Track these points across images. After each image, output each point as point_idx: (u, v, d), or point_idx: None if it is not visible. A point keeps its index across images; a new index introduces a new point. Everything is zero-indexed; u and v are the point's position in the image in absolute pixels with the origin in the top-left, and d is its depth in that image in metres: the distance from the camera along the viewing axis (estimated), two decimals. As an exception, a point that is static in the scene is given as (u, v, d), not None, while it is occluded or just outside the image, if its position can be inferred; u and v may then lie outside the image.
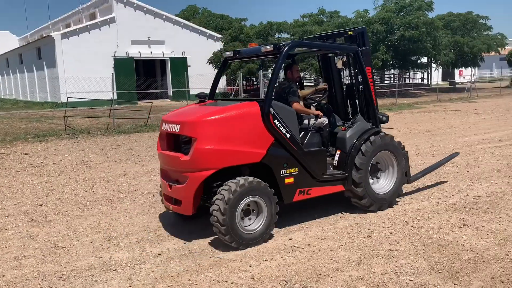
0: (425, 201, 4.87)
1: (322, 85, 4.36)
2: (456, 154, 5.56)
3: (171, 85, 23.24)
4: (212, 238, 3.51)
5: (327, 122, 3.90)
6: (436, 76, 35.38)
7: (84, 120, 13.05)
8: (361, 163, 3.76)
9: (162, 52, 23.50)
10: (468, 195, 5.07)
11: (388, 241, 3.74)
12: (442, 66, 31.37)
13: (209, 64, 23.66)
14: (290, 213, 4.36)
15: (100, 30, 21.28)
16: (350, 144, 3.76)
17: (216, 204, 2.99)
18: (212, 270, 2.98)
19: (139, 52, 22.56)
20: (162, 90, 23.61)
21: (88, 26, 21.06)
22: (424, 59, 29.77)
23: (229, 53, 3.90)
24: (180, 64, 23.55)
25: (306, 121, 3.81)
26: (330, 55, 4.47)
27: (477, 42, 28.95)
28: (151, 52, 23.10)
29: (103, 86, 15.34)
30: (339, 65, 4.11)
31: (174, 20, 24.09)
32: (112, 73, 12.79)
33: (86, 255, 3.39)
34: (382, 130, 4.08)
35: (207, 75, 16.11)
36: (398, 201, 4.56)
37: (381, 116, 4.18)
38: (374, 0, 41.65)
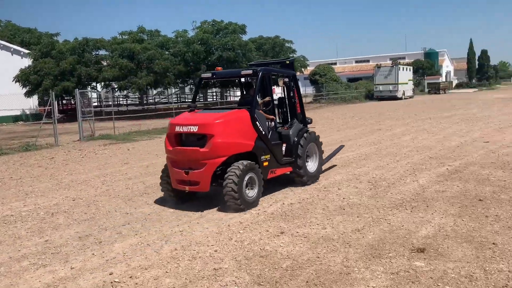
0: (247, 214, 5.33)
1: (267, 98, 6.45)
2: (342, 146, 8.48)
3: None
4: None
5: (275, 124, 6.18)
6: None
7: None
8: (301, 152, 5.99)
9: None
10: (283, 203, 5.69)
11: (213, 260, 3.93)
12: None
13: (15, 82, 22.97)
14: (110, 242, 4.53)
15: None
16: (293, 139, 5.92)
17: (229, 179, 4.63)
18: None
19: None
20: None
21: None
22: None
23: (208, 74, 5.62)
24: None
25: (267, 123, 5.85)
26: (272, 77, 6.65)
27: (284, 64, 34.98)
28: None
29: None
30: (281, 84, 6.24)
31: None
32: None
33: None
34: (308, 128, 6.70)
35: (13, 95, 14.49)
36: (222, 217, 5.28)
37: (308, 119, 6.71)
38: (192, 22, 43.97)
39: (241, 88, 6.41)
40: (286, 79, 6.55)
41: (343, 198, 5.99)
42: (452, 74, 68.32)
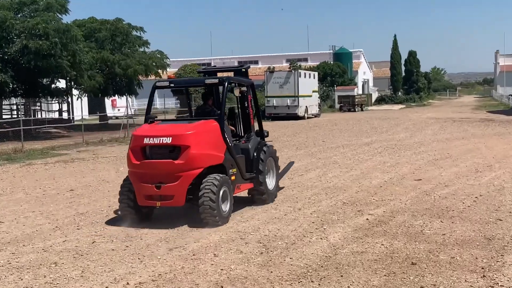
0: None
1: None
2: (292, 162, 11.61)
3: None
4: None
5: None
6: (80, 108, 36.42)
7: None
8: (262, 168, 8.35)
9: None
10: (127, 284, 6.01)
11: None
12: (88, 94, 34.16)
13: None
14: None
15: None
16: (252, 153, 8.29)
17: (206, 193, 7.13)
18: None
19: None
20: None
21: None
22: (62, 83, 31.72)
23: (164, 83, 8.56)
24: None
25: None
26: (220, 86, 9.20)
27: (132, 61, 31.85)
28: None
29: None
30: (237, 93, 8.63)
31: None
32: None
33: None
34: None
35: None
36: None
37: (264, 132, 9.29)
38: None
39: (187, 97, 11.31)
40: (244, 88, 9.40)
41: (221, 269, 6.32)
42: (371, 83, 77.79)
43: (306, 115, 39.80)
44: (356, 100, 50.97)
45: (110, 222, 8.85)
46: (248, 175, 9.29)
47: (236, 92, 9.28)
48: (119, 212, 8.93)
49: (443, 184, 11.61)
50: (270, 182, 9.90)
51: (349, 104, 50.18)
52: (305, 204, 9.81)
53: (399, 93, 71.82)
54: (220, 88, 9.40)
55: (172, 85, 9.57)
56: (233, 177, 8.71)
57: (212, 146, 8.38)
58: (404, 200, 10.00)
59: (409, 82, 73.30)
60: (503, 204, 9.47)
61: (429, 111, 48.17)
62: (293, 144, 21.24)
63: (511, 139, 21.37)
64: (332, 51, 68.17)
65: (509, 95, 66.01)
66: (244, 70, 10.18)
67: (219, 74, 10.10)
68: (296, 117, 38.33)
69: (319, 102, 44.65)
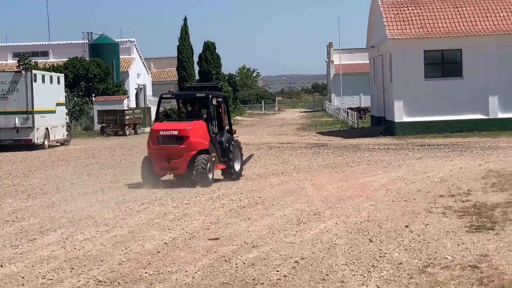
0: None
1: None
2: (252, 155, 26.29)
3: None
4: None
5: None
6: None
7: None
8: (232, 155, 22.42)
9: None
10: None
11: None
12: None
13: None
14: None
15: None
16: (225, 144, 22.42)
17: (200, 163, 20.47)
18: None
19: None
20: None
21: None
22: None
23: (168, 95, 24.01)
24: None
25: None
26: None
27: None
28: None
29: None
30: (214, 102, 22.71)
31: None
32: None
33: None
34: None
35: None
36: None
37: (233, 131, 24.09)
38: None
39: (179, 105, 25.76)
40: (219, 99, 22.86)
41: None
42: (149, 90, 78.79)
43: (47, 142, 39.52)
44: (127, 117, 51.42)
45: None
46: (222, 159, 21.92)
47: (214, 101, 22.25)
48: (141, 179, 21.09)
49: (250, 244, 12.06)
50: (237, 166, 22.61)
51: (116, 124, 50.48)
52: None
53: (192, 107, 74.05)
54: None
55: (173, 96, 24.45)
56: (213, 159, 21.17)
57: (202, 137, 20.90)
58: (192, 272, 10.18)
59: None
60: (333, 270, 10.10)
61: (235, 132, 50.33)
62: (22, 190, 20.73)
63: (348, 173, 23.22)
64: (87, 41, 68.09)
65: (347, 108, 71.96)
66: (219, 86, 25.01)
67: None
68: (30, 146, 37.86)
69: (67, 121, 44.52)
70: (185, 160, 20.56)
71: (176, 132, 20.89)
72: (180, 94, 31.04)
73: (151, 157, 21.04)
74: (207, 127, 21.33)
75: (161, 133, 21.12)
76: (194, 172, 20.36)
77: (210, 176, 20.81)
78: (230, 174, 22.15)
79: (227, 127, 23.96)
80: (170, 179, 21.81)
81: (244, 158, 23.76)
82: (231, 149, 22.01)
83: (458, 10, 42.90)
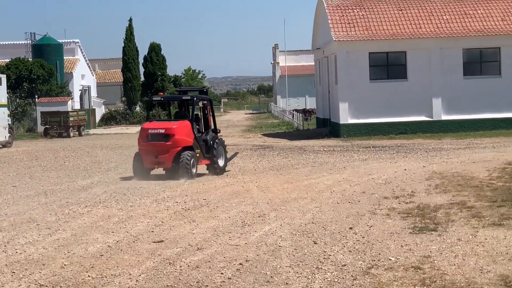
0: None
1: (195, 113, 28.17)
2: (237, 153, 29.94)
3: None
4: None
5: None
6: None
7: None
8: (216, 151, 25.40)
9: None
10: None
11: None
12: None
13: None
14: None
15: None
16: (209, 142, 25.35)
17: (184, 158, 23.56)
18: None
19: None
20: None
21: None
22: None
23: (158, 98, 28.18)
24: None
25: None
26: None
27: None
28: None
29: None
30: (200, 105, 26.64)
31: None
32: None
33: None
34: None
35: None
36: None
37: (218, 130, 27.39)
38: None
39: (169, 106, 33.18)
40: (205, 102, 26.29)
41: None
42: (94, 92, 78.28)
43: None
44: (71, 119, 51.08)
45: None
46: (207, 155, 24.43)
47: (200, 104, 25.72)
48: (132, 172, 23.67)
49: (194, 246, 12.09)
50: (221, 161, 25.01)
51: (60, 126, 50.08)
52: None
53: (137, 108, 73.68)
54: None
55: (162, 99, 28.80)
56: (198, 155, 23.91)
57: (186, 135, 23.64)
58: (135, 275, 10.16)
59: (152, 91, 75.46)
60: (277, 272, 10.16)
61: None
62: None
63: (294, 175, 23.37)
64: (30, 42, 67.24)
65: (292, 110, 72.37)
66: (205, 90, 29.41)
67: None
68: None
69: (9, 123, 43.96)
70: (171, 155, 23.36)
71: (163, 131, 23.82)
72: (169, 97, 39.08)
73: (141, 153, 23.95)
74: (192, 126, 24.17)
75: (150, 131, 23.97)
76: (179, 166, 23.13)
77: (194, 170, 23.60)
78: (214, 169, 24.84)
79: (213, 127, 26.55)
80: (160, 173, 24.47)
81: (228, 155, 26.54)
82: (215, 146, 24.77)
83: (403, 13, 43.47)
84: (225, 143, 26.57)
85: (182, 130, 23.88)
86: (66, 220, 15.18)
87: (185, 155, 23.29)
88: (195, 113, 25.60)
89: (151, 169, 24.39)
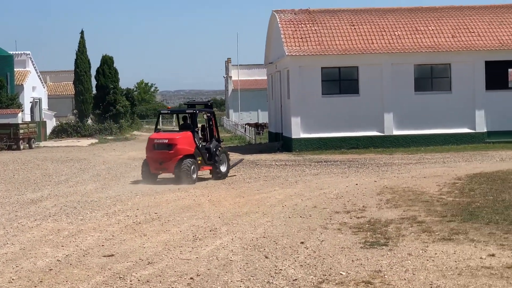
0: None
1: (199, 125, 32.74)
2: (242, 159, 35.34)
3: None
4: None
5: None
6: None
7: None
8: (217, 158, 29.37)
9: None
10: None
11: None
12: None
13: None
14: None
15: None
16: (212, 150, 29.48)
17: (185, 165, 27.02)
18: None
19: None
20: None
21: None
22: None
23: (165, 111, 35.34)
24: None
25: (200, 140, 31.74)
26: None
27: None
28: None
29: None
30: (204, 117, 31.11)
31: None
32: None
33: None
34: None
35: None
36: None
37: (221, 139, 31.85)
38: None
39: (177, 118, 35.95)
40: (209, 114, 30.01)
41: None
42: (45, 104, 77.47)
43: None
44: (21, 131, 50.50)
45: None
46: (209, 162, 28.02)
47: (204, 116, 29.88)
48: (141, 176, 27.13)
49: (145, 260, 12.09)
50: (223, 167, 28.55)
51: (10, 138, 49.48)
52: None
53: (89, 121, 73.09)
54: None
55: (169, 112, 35.53)
56: (199, 161, 27.48)
57: (188, 145, 27.10)
58: (85, 290, 10.06)
59: (104, 103, 75.05)
60: (228, 286, 10.22)
61: (132, 148, 50.19)
62: None
63: (245, 189, 23.44)
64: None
65: (245, 124, 72.41)
66: (209, 104, 31.25)
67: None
68: None
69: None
70: (173, 162, 26.40)
71: (166, 141, 27.10)
72: (175, 110, 43.21)
73: (148, 160, 27.25)
74: (193, 136, 27.42)
75: (155, 141, 27.37)
76: (181, 172, 26.11)
77: (194, 175, 26.70)
78: (217, 174, 28.15)
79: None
80: (169, 177, 27.34)
81: (231, 162, 30.26)
82: (218, 153, 28.16)
83: (355, 28, 43.76)
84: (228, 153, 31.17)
85: (184, 140, 27.02)
86: (14, 234, 15.04)
87: (186, 162, 26.33)
88: (201, 124, 30.19)
89: (158, 174, 27.72)
